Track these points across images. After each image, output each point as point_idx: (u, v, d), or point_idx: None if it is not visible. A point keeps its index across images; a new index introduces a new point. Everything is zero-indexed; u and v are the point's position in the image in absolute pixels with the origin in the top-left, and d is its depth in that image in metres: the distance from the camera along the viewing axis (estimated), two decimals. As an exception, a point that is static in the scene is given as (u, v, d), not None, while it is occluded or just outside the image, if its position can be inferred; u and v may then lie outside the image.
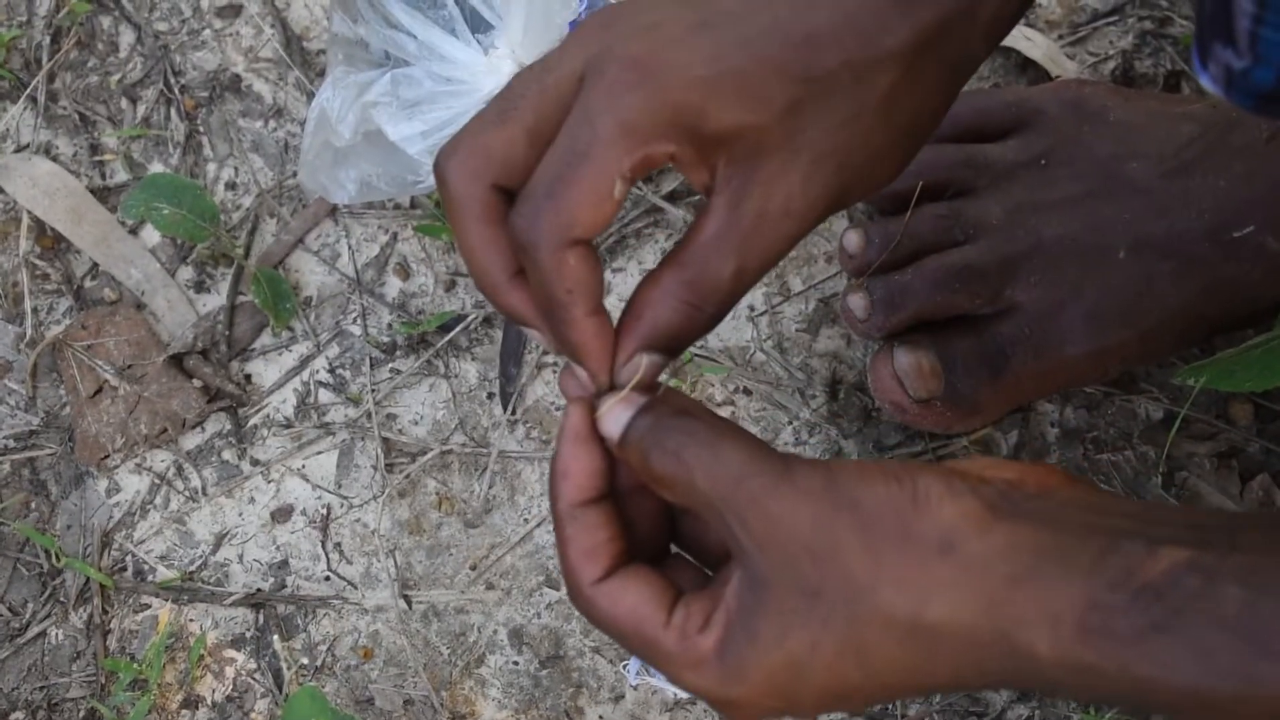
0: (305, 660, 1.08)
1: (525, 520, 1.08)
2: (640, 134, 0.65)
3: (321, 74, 1.17)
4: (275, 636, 1.08)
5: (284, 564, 1.10)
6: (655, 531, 0.73)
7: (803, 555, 0.63)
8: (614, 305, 1.10)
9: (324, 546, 1.10)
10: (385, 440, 1.10)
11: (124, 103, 1.17)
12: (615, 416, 0.69)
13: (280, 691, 1.07)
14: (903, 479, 0.63)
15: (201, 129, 1.17)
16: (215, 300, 1.15)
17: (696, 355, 1.09)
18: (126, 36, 1.21)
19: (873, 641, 0.62)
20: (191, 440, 1.12)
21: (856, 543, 0.62)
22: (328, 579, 1.09)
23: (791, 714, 0.66)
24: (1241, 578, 0.57)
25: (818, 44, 0.66)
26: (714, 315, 0.69)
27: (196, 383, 1.12)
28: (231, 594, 1.09)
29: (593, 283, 0.68)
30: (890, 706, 1.02)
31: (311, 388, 1.12)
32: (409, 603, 1.08)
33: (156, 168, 1.17)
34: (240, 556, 1.10)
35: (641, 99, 0.65)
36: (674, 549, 0.75)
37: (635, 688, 1.04)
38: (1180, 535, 0.60)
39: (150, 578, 1.10)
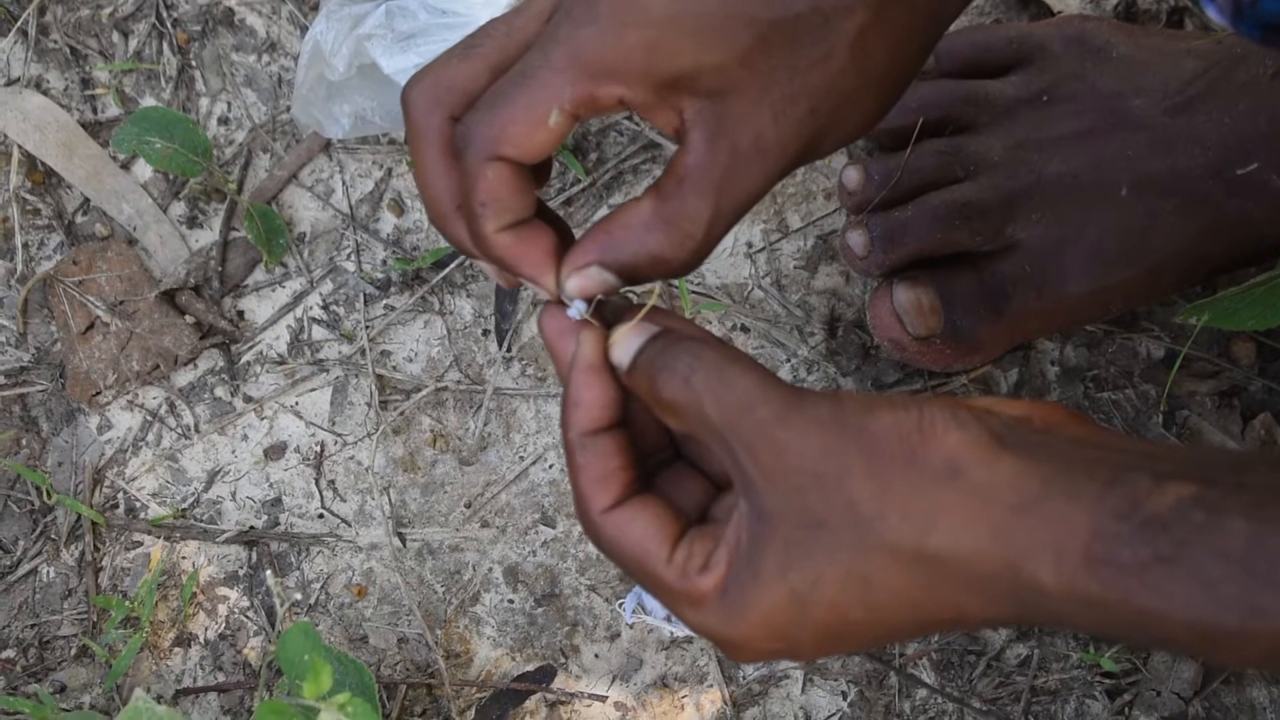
0: (298, 597, 1.07)
1: (520, 458, 1.08)
2: (589, 67, 0.66)
3: (315, 7, 1.15)
4: (268, 574, 1.07)
5: (277, 501, 1.09)
6: (660, 447, 0.73)
7: (809, 484, 0.63)
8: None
9: (318, 484, 1.09)
10: (379, 377, 1.09)
11: (115, 36, 1.16)
12: (626, 344, 0.69)
13: (273, 629, 1.06)
14: (910, 407, 0.63)
15: (194, 63, 1.16)
16: (208, 236, 1.14)
17: (694, 292, 1.08)
18: (118, -31, 1.20)
19: (877, 573, 0.62)
20: (184, 377, 1.12)
21: (862, 469, 0.62)
22: (321, 517, 1.08)
23: (791, 656, 0.66)
24: (1247, 512, 0.57)
25: None
26: (685, 261, 0.69)
27: (189, 319, 1.11)
28: (224, 531, 1.08)
29: (510, 201, 0.68)
30: (889, 645, 1.02)
31: (305, 324, 1.11)
32: (403, 540, 1.07)
33: (149, 102, 1.15)
34: (233, 494, 1.09)
35: (596, 33, 0.65)
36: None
37: (631, 626, 1.04)
38: (1186, 471, 0.59)
39: (142, 515, 1.09)
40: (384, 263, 1.11)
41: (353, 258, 1.12)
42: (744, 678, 1.04)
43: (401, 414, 1.09)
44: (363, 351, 1.10)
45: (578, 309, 0.70)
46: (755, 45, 0.66)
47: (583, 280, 0.69)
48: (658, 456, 0.73)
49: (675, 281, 1.07)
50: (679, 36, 0.66)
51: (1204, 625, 0.57)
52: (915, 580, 0.62)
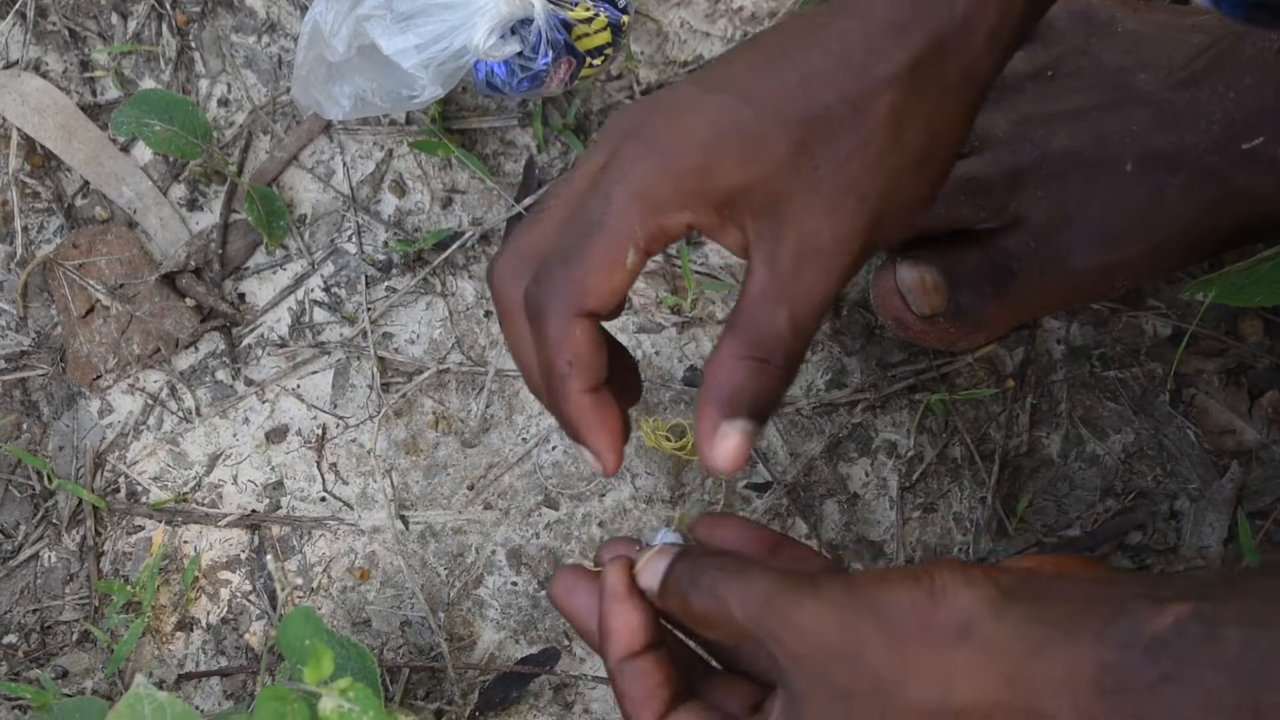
0: (300, 581, 1.06)
1: (523, 440, 1.07)
2: (652, 203, 0.68)
3: (315, -12, 1.15)
4: (269, 558, 1.07)
5: (279, 485, 1.08)
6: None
7: (833, 661, 0.65)
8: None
9: (319, 467, 1.08)
10: (381, 359, 1.09)
11: (114, 18, 1.15)
12: (653, 569, 0.73)
13: (275, 613, 1.06)
14: (920, 577, 0.65)
15: (193, 45, 1.15)
16: (208, 218, 1.13)
17: (697, 272, 1.07)
18: (116, -49, 1.19)
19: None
20: (185, 360, 1.11)
21: (881, 641, 0.65)
22: (323, 500, 1.08)
23: None
24: (1241, 619, 0.59)
25: (812, 84, 0.68)
26: (784, 369, 0.70)
27: (189, 302, 1.11)
28: (226, 515, 1.08)
29: (595, 360, 0.70)
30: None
31: (306, 307, 1.11)
32: (406, 523, 1.07)
33: (148, 84, 1.15)
34: (234, 477, 1.09)
35: (651, 168, 0.68)
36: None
37: None
38: (1185, 591, 0.61)
39: (143, 499, 1.09)
40: (385, 244, 1.11)
41: (354, 239, 1.11)
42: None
43: (403, 396, 1.08)
44: (364, 334, 1.09)
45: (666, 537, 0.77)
46: (794, 148, 0.67)
47: (723, 446, 0.70)
48: (700, 669, 0.77)
49: (678, 262, 1.07)
50: (725, 157, 0.68)
51: None
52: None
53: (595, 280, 0.68)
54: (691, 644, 0.78)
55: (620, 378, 0.75)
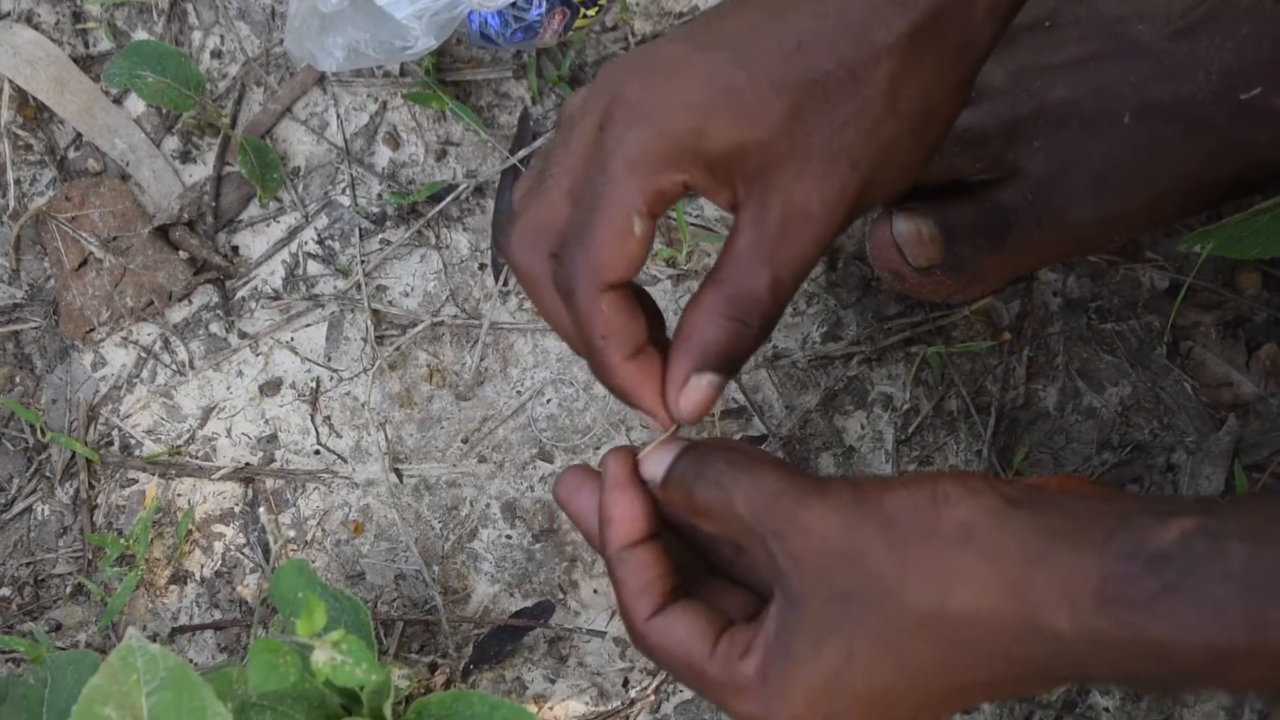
0: (293, 534, 1.06)
1: (517, 393, 1.07)
2: (647, 168, 0.68)
3: (309, -60, 1.14)
4: (262, 511, 1.07)
5: (273, 438, 1.08)
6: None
7: (833, 562, 0.66)
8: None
9: (313, 420, 1.08)
10: (375, 312, 1.08)
11: (107, -30, 1.15)
12: (658, 458, 0.73)
13: (269, 566, 1.06)
14: (924, 483, 0.66)
15: (186, -4, 1.15)
16: (201, 171, 1.12)
17: (692, 225, 1.07)
18: (109, -97, 1.18)
19: (906, 639, 0.65)
20: (178, 313, 1.11)
21: (882, 543, 0.65)
22: (317, 453, 1.08)
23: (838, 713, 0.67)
24: (1245, 534, 0.59)
25: (810, 49, 0.68)
26: (760, 328, 0.71)
27: (183, 255, 1.10)
28: (220, 468, 1.07)
29: (628, 328, 0.71)
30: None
31: (300, 259, 1.10)
32: (400, 476, 1.06)
33: (140, 36, 1.14)
34: (228, 430, 1.08)
35: (643, 134, 0.68)
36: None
37: None
38: (1188, 508, 0.62)
39: (137, 452, 1.09)
40: (379, 197, 1.10)
41: (348, 192, 1.11)
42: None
43: (398, 349, 1.08)
44: (358, 286, 1.09)
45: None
46: (789, 113, 0.68)
47: (690, 397, 0.71)
48: (697, 573, 0.77)
49: (673, 215, 1.06)
50: (717, 120, 0.68)
51: (1216, 647, 0.59)
52: (942, 643, 0.64)
53: (608, 255, 0.69)
54: (689, 551, 0.78)
55: (660, 331, 0.76)
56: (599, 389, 1.05)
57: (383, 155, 1.11)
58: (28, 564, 1.08)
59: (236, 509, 1.07)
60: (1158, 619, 0.59)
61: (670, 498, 0.73)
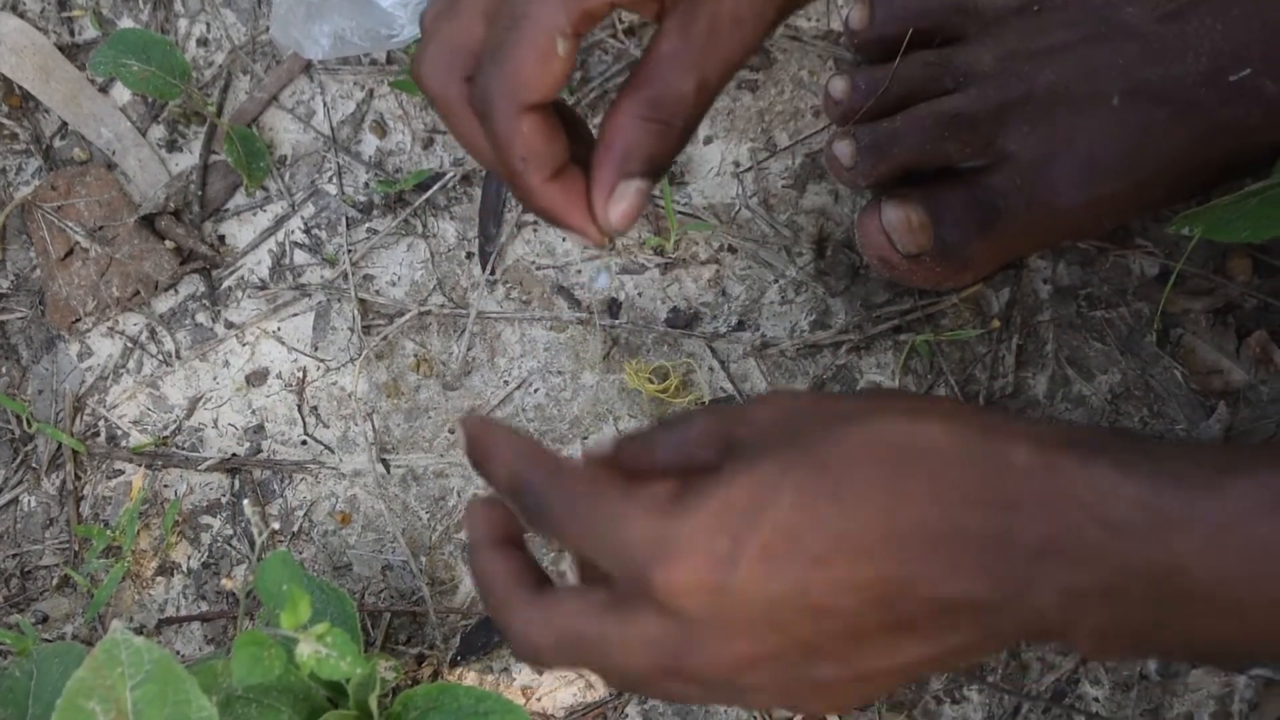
0: (278, 525, 1.06)
1: (505, 382, 1.06)
2: None
3: (295, -73, 1.13)
4: (246, 502, 1.06)
5: (259, 428, 1.08)
6: None
7: (793, 410, 0.63)
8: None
9: (300, 410, 1.08)
10: (362, 301, 1.08)
11: (92, -42, 1.14)
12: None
13: (255, 556, 1.05)
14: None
15: (172, -15, 1.14)
16: (188, 160, 1.12)
17: (680, 213, 1.06)
18: (95, -110, 1.18)
19: (851, 463, 0.59)
20: (164, 303, 1.10)
21: (852, 396, 0.65)
22: (304, 443, 1.07)
23: (735, 560, 0.59)
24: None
25: None
26: (684, 129, 0.70)
27: (169, 244, 1.10)
28: (206, 459, 1.07)
29: (548, 148, 0.69)
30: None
31: (286, 248, 1.10)
32: (387, 466, 1.06)
33: (126, 24, 1.14)
34: (215, 421, 1.08)
35: None
36: None
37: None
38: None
39: (123, 443, 1.08)
40: (366, 185, 1.10)
41: (334, 180, 1.10)
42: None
43: (384, 339, 1.07)
44: (345, 275, 1.08)
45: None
46: None
47: (619, 206, 0.70)
48: None
49: (661, 201, 1.05)
50: None
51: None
52: (890, 469, 0.59)
53: (529, 75, 0.67)
54: None
55: (586, 147, 0.73)
56: (587, 379, 1.05)
57: (369, 143, 1.11)
58: (14, 556, 1.07)
59: (223, 500, 1.07)
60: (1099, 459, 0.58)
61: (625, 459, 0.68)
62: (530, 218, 1.07)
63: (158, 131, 1.13)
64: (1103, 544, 0.57)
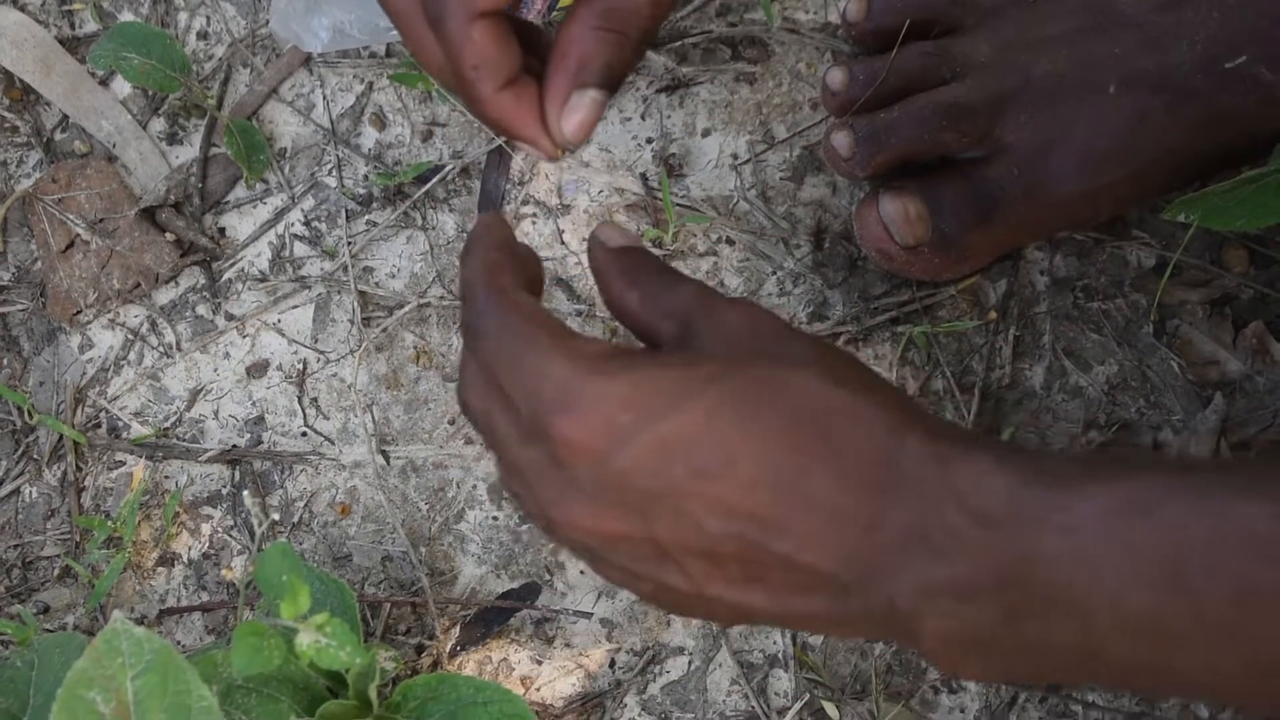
0: (277, 516, 1.06)
1: (504, 373, 1.06)
2: None
3: (295, -79, 1.13)
4: (246, 493, 1.06)
5: (260, 420, 1.08)
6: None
7: (750, 330, 0.64)
8: (595, 154, 1.08)
9: (300, 402, 1.08)
10: (362, 293, 1.08)
11: (93, -48, 1.15)
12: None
13: (255, 546, 1.06)
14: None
15: (173, -22, 1.14)
16: (188, 152, 1.12)
17: (678, 205, 1.06)
18: (96, -116, 1.18)
19: (774, 393, 0.60)
20: (165, 295, 1.10)
21: (803, 337, 0.64)
22: (304, 435, 1.07)
23: (631, 438, 0.60)
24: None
25: None
26: (638, 40, 0.70)
27: (169, 236, 1.10)
28: (207, 450, 1.07)
29: (500, 57, 0.69)
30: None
31: (286, 241, 1.10)
32: (387, 458, 1.06)
33: (126, 17, 1.14)
34: (215, 412, 1.08)
35: None
36: None
37: None
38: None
39: (124, 434, 1.08)
40: (366, 178, 1.10)
41: (334, 173, 1.10)
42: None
43: (384, 331, 1.07)
44: (345, 268, 1.08)
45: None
46: None
47: (573, 117, 0.70)
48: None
49: (659, 195, 1.06)
50: None
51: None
52: (803, 426, 0.60)
53: None
54: None
55: (543, 61, 0.73)
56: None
57: (369, 136, 1.11)
58: (15, 546, 1.08)
59: (224, 491, 1.07)
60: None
61: (608, 268, 0.70)
62: (529, 209, 1.07)
63: (158, 124, 1.13)
64: (964, 533, 0.57)
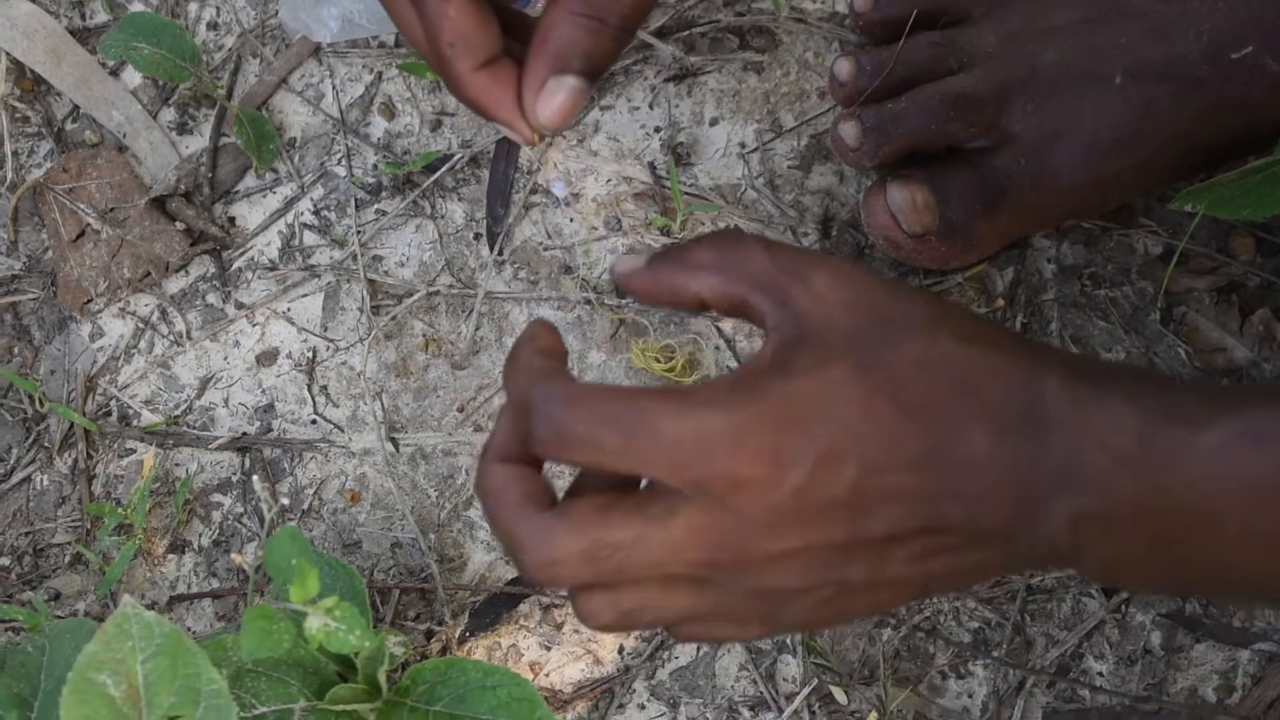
0: (287, 503, 1.06)
1: (513, 361, 1.07)
2: None
3: (304, -89, 1.14)
4: (255, 479, 1.07)
5: (270, 407, 1.08)
6: None
7: (861, 299, 0.63)
8: (604, 143, 1.08)
9: (310, 389, 1.08)
10: (371, 282, 1.08)
11: (104, -58, 1.15)
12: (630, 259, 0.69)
13: (264, 533, 1.06)
14: None
15: (183, -31, 1.15)
16: (198, 142, 1.13)
17: (686, 194, 1.07)
18: (106, -125, 1.19)
19: (914, 371, 0.61)
20: (175, 284, 1.11)
21: (915, 292, 0.64)
22: (314, 422, 1.08)
23: (799, 458, 0.60)
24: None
25: None
26: (619, 28, 0.70)
27: (179, 225, 1.10)
28: (217, 438, 1.08)
29: (477, 35, 0.69)
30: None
31: (296, 230, 1.10)
32: (396, 445, 1.07)
33: (136, 8, 1.14)
34: (225, 400, 1.09)
35: None
36: None
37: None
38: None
39: (135, 422, 1.09)
40: (375, 167, 1.10)
41: (343, 162, 1.11)
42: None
43: (393, 319, 1.08)
44: (354, 256, 1.09)
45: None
46: None
47: (549, 101, 0.70)
48: None
49: (667, 183, 1.06)
50: None
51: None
52: (948, 382, 0.61)
53: None
54: None
55: (525, 40, 0.73)
56: (594, 358, 1.05)
57: (378, 126, 1.11)
58: (26, 533, 1.08)
59: (234, 478, 1.08)
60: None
61: (659, 275, 0.68)
62: (538, 198, 1.08)
63: (168, 114, 1.13)
64: (1106, 472, 0.60)
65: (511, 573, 1.04)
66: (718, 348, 1.05)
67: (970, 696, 1.00)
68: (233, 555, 1.06)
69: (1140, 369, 0.65)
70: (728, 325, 1.05)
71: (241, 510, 1.07)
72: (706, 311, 0.68)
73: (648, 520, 0.62)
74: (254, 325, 1.09)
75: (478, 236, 1.09)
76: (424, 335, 1.08)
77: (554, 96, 0.70)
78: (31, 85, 1.14)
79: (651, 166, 1.07)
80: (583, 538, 0.62)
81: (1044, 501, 0.61)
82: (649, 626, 0.66)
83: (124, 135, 1.13)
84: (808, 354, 0.61)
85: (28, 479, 1.09)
